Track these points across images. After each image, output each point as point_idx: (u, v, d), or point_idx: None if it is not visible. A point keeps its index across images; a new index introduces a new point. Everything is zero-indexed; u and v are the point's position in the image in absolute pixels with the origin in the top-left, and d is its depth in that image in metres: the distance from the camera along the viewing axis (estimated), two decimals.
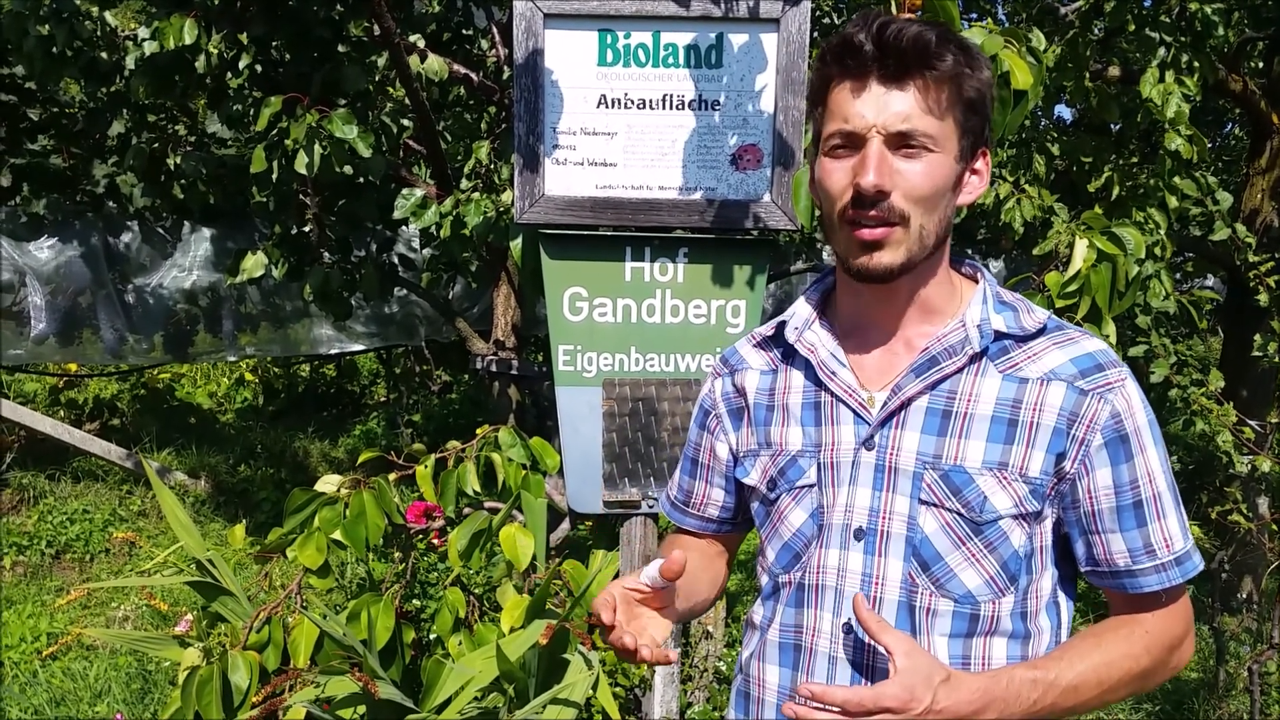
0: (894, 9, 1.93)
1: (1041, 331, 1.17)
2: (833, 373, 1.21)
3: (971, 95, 1.12)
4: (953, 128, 1.11)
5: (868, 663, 1.16)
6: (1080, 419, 1.12)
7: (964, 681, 1.05)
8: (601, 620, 1.09)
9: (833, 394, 1.21)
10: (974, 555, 1.14)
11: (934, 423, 1.15)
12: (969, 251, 7.56)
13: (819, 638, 1.19)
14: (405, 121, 4.29)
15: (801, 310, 1.28)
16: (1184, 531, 1.15)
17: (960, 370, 1.16)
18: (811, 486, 1.22)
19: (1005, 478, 1.13)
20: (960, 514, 1.13)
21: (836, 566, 1.18)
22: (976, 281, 1.24)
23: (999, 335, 1.16)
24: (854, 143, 1.11)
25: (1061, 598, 1.21)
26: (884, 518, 1.16)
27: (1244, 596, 4.44)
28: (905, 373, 1.17)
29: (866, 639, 1.14)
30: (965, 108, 1.12)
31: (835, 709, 1.01)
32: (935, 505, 1.14)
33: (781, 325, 1.28)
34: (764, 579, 1.31)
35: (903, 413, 1.17)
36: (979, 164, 1.18)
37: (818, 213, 1.20)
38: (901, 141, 1.09)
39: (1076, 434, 1.12)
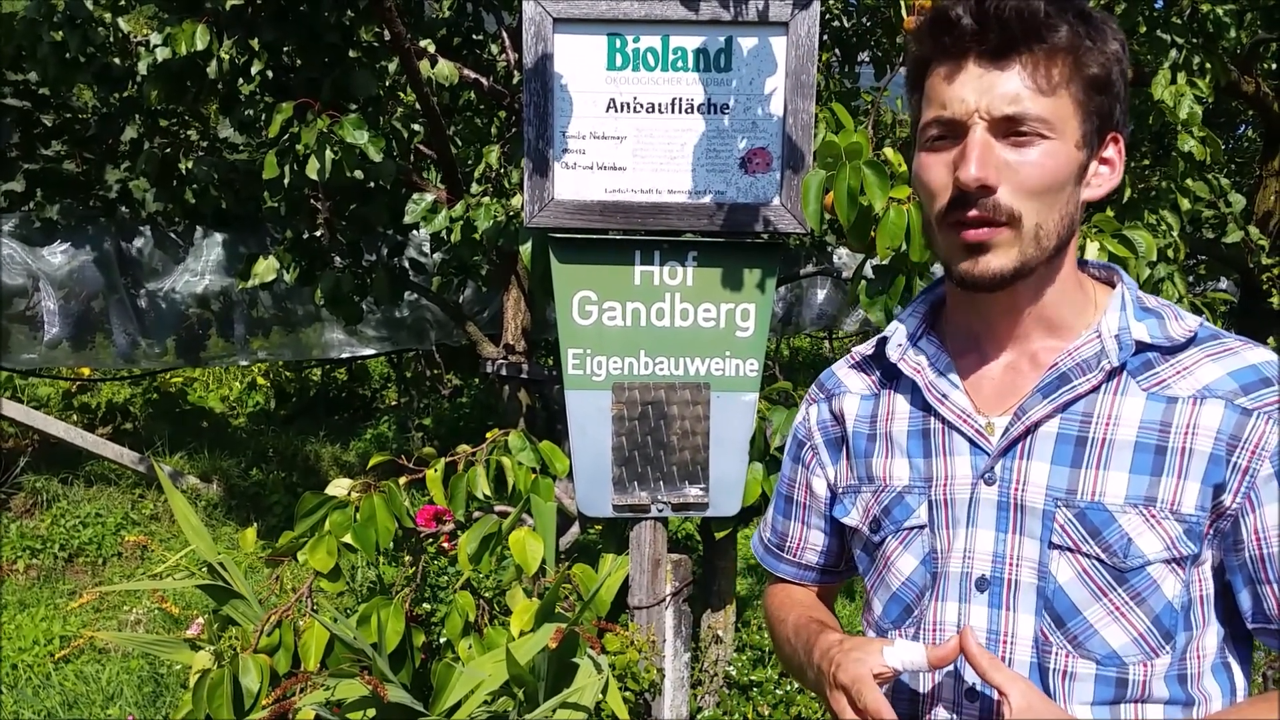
0: (904, 11, 1.93)
1: (1192, 341, 1.00)
2: (944, 395, 1.06)
3: (1095, 71, 0.96)
4: (1072, 109, 0.95)
5: None
6: (1243, 444, 0.94)
7: None
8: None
9: (944, 420, 1.05)
10: (1118, 608, 0.97)
11: (1066, 451, 0.99)
12: None
13: (937, 706, 1.03)
14: (416, 126, 4.30)
15: (906, 325, 1.12)
16: None
17: (1096, 389, 0.99)
18: (922, 528, 1.06)
19: (1153, 515, 0.95)
20: (1100, 559, 0.96)
21: (956, 622, 1.02)
22: (1112, 286, 1.07)
23: (1141, 347, 1.00)
24: (955, 132, 0.96)
25: (1232, 659, 1.01)
26: (1010, 565, 1.00)
27: None
28: (1031, 394, 1.01)
29: (994, 701, 0.98)
30: (1087, 85, 0.96)
31: None
32: (1070, 549, 0.97)
33: (882, 342, 1.13)
34: (870, 635, 1.13)
35: (1028, 440, 1.01)
36: (1109, 152, 1.01)
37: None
38: (1009, 127, 0.94)
39: (1239, 462, 0.94)
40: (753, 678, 2.94)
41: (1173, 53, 3.45)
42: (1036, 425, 1.00)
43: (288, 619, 2.23)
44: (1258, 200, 4.54)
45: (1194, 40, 3.48)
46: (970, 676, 1.00)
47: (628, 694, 2.37)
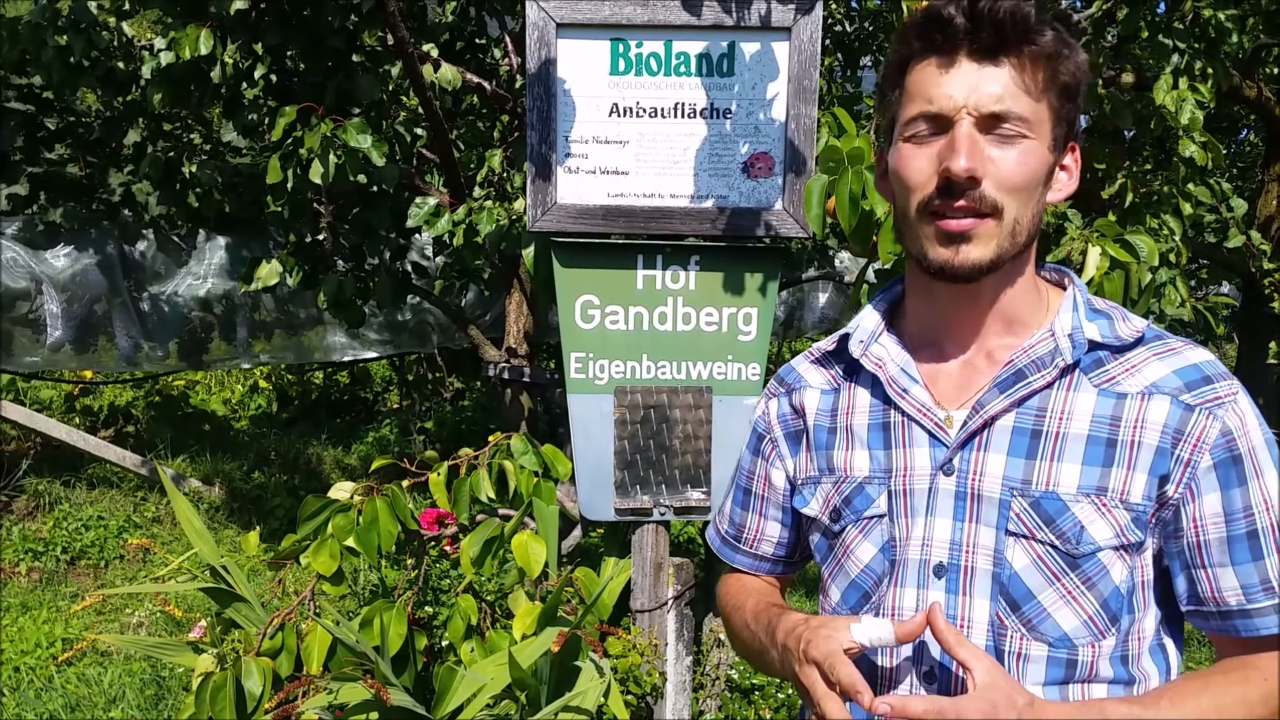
0: (905, 15, 1.93)
1: (1139, 341, 1.05)
2: (904, 390, 1.09)
3: (1067, 79, 1.00)
4: (1048, 112, 1.00)
5: None
6: (1186, 437, 0.99)
7: (1049, 708, 0.94)
8: (861, 700, 0.95)
9: (904, 413, 1.09)
10: (1070, 593, 1.01)
11: (1021, 444, 1.03)
12: None
13: (896, 689, 1.06)
14: (419, 130, 4.32)
15: (867, 322, 1.16)
16: None
17: (1050, 385, 1.04)
18: (881, 517, 1.10)
19: (1104, 504, 1.00)
20: (1054, 546, 1.01)
21: (914, 608, 1.05)
22: (1064, 288, 1.12)
23: (1093, 345, 1.04)
24: (940, 125, 1.00)
25: (1168, 640, 1.07)
26: (967, 552, 1.04)
27: None
28: (988, 388, 1.05)
29: (953, 682, 1.03)
30: (1061, 92, 1.00)
31: None
32: (1025, 537, 1.02)
33: (844, 338, 1.17)
34: None
35: (985, 433, 1.04)
36: (1068, 159, 1.06)
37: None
38: (994, 124, 0.98)
39: (1181, 454, 0.99)
40: (754, 681, 2.94)
41: (1175, 57, 3.45)
42: (993, 419, 1.04)
43: (290, 622, 2.23)
44: (1259, 205, 4.54)
45: (1196, 45, 3.49)
46: (928, 659, 1.04)
47: (630, 698, 2.37)
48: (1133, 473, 1.00)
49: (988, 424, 1.05)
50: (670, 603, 2.71)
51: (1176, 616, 1.07)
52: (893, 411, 1.10)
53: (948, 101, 0.98)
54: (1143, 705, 0.97)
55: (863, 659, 1.04)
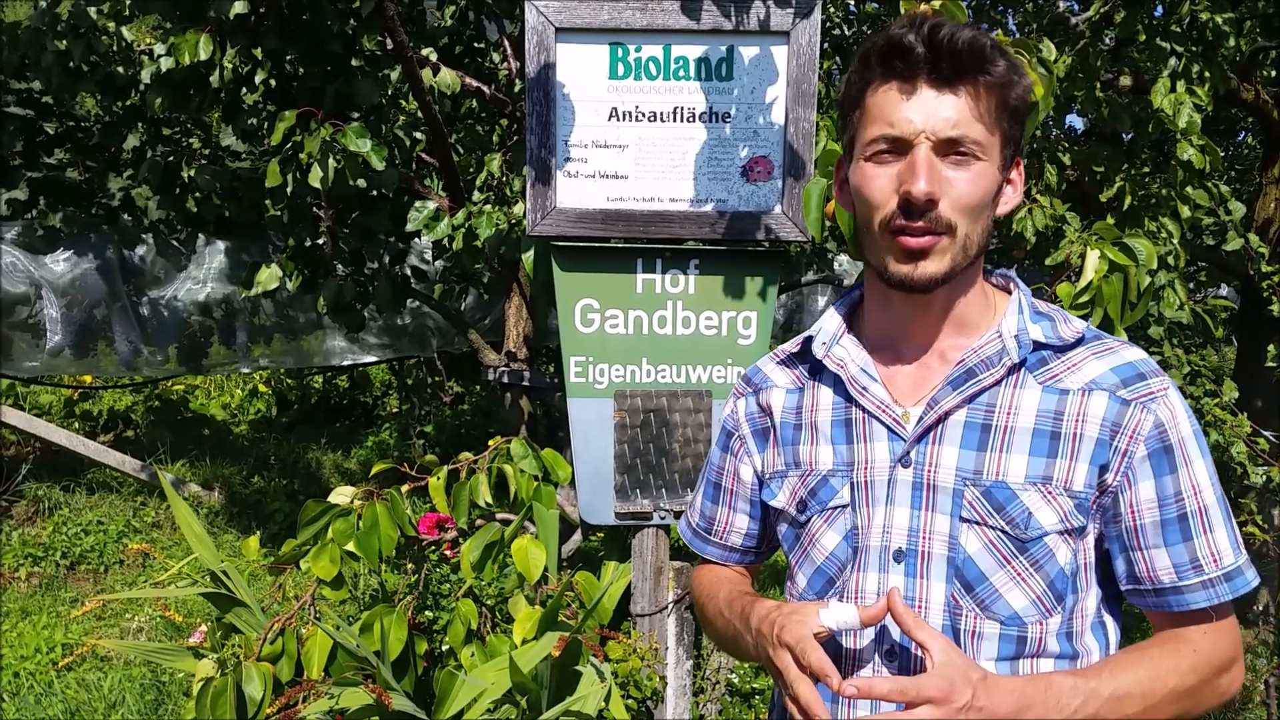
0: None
1: (1080, 341, 1.14)
2: (864, 388, 1.17)
3: (1015, 104, 1.08)
4: (998, 136, 1.08)
5: None
6: (1123, 429, 1.08)
7: (1001, 683, 1.02)
8: (830, 683, 1.02)
9: (865, 410, 1.17)
10: (1019, 574, 1.10)
11: (973, 437, 1.11)
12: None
13: (860, 667, 1.14)
14: (418, 134, 4.32)
15: (829, 325, 1.24)
16: (1234, 546, 1.09)
17: (999, 382, 1.12)
18: (845, 507, 1.17)
19: (1050, 492, 1.09)
20: (1004, 531, 1.09)
21: (876, 591, 1.13)
22: (1009, 292, 1.20)
23: (1037, 346, 1.13)
24: (900, 148, 1.07)
25: (1107, 617, 1.17)
26: (924, 538, 1.12)
27: (1260, 609, 4.40)
28: (941, 386, 1.13)
29: (914, 665, 1.10)
30: (1010, 116, 1.09)
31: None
32: (977, 523, 1.10)
33: (808, 341, 1.25)
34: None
35: (940, 428, 1.13)
36: (1014, 174, 1.15)
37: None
38: (950, 148, 1.05)
39: (1119, 445, 1.08)
40: (755, 685, 2.94)
41: (1172, 60, 3.46)
42: (947, 414, 1.12)
43: (291, 627, 2.23)
44: (1258, 207, 4.54)
45: (1193, 48, 3.49)
46: (890, 638, 1.12)
47: (630, 702, 2.37)
48: (1075, 463, 1.08)
49: (942, 419, 1.12)
50: (670, 607, 2.71)
51: (1115, 596, 1.17)
52: (854, 409, 1.18)
53: (908, 126, 1.05)
54: (1085, 676, 1.05)
55: (830, 641, 1.11)
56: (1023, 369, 1.12)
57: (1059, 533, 1.09)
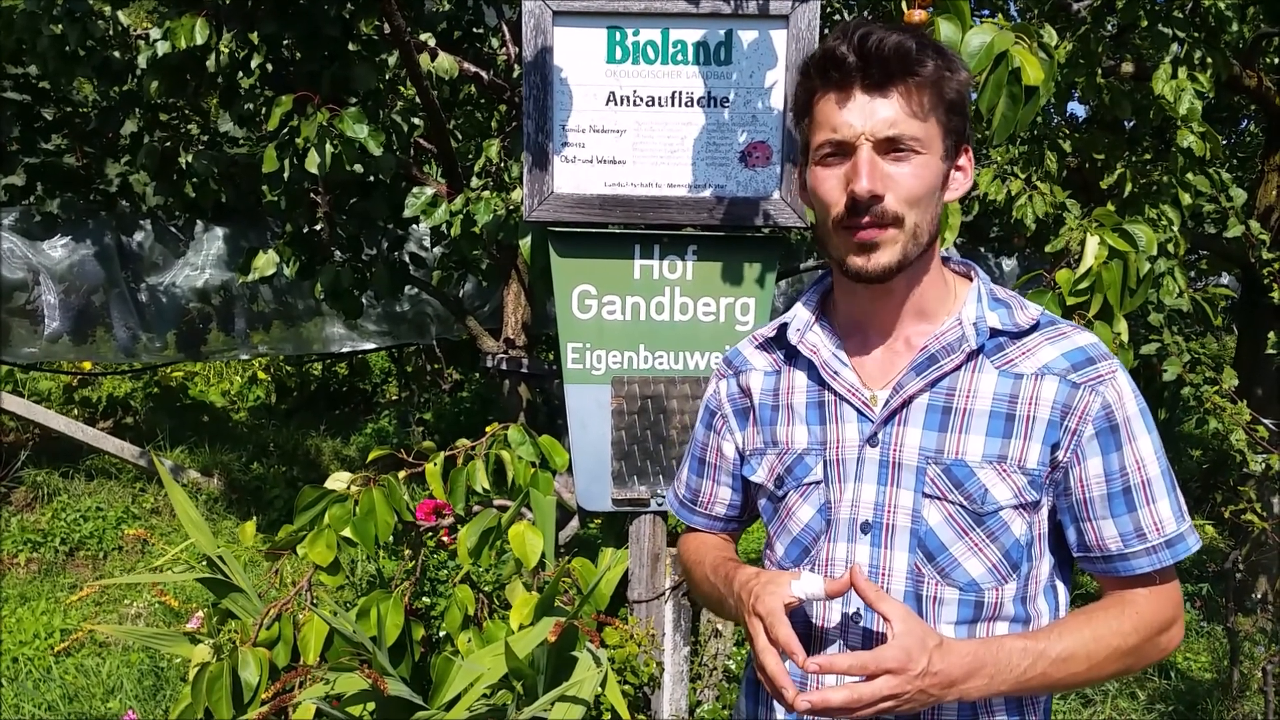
0: (904, 4, 1.92)
1: (1035, 328, 1.21)
2: (835, 373, 1.25)
3: (952, 97, 1.16)
4: (937, 129, 1.15)
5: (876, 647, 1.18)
6: (1073, 411, 1.16)
7: (955, 647, 1.10)
8: (796, 659, 1.09)
9: (836, 393, 1.25)
10: (977, 545, 1.19)
11: (935, 419, 1.20)
12: (981, 249, 7.53)
13: (828, 627, 1.23)
14: (416, 120, 4.29)
15: (801, 313, 1.32)
16: (1177, 515, 1.19)
17: (958, 367, 1.20)
18: (819, 483, 1.26)
19: (1005, 470, 1.17)
20: (963, 506, 1.18)
21: (844, 559, 1.23)
22: (970, 279, 1.28)
23: (994, 332, 1.21)
24: (844, 151, 1.15)
25: (1058, 582, 1.26)
26: (889, 511, 1.21)
27: (1259, 596, 4.40)
28: (906, 371, 1.21)
29: (875, 626, 1.19)
30: (947, 109, 1.16)
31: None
32: (938, 498, 1.19)
33: (783, 327, 1.33)
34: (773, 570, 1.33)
35: (904, 410, 1.21)
36: (962, 160, 1.23)
37: (812, 219, 1.21)
38: (890, 146, 1.13)
39: (1069, 425, 1.16)
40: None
41: (1174, 47, 3.44)
42: (911, 398, 1.21)
43: (287, 612, 2.23)
44: (1259, 195, 4.52)
45: (1196, 34, 3.47)
46: (853, 607, 1.21)
47: (627, 688, 2.37)
48: (1029, 443, 1.17)
49: (906, 402, 1.21)
50: (668, 593, 2.71)
51: (1066, 561, 1.27)
52: (826, 392, 1.27)
53: (849, 130, 1.13)
54: (1034, 639, 1.14)
55: (799, 612, 1.21)
56: (980, 354, 1.20)
57: (1013, 507, 1.18)
